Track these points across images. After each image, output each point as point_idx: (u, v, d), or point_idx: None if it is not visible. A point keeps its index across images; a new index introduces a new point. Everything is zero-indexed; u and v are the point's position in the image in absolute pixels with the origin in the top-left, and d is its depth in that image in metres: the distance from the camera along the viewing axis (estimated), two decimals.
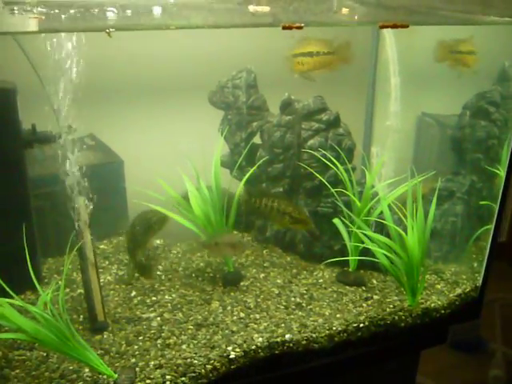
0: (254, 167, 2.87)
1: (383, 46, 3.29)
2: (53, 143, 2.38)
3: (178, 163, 2.67)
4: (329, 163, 2.79)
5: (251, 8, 2.06)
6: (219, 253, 2.78)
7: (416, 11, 2.57)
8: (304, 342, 2.37)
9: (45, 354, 2.22)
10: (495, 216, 2.60)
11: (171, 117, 3.09)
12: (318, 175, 2.80)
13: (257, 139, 3.05)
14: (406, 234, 2.51)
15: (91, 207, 2.32)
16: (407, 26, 2.19)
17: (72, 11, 1.87)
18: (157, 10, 2.02)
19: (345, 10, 2.24)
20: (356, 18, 2.38)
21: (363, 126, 3.55)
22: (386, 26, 2.19)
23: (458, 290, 2.75)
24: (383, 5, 2.70)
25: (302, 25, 1.95)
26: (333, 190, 2.76)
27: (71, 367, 2.14)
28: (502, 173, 2.58)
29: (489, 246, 2.65)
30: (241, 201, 2.81)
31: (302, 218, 2.77)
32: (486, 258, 2.68)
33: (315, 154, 2.82)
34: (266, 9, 2.08)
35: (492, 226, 2.63)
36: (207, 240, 2.75)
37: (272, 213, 2.76)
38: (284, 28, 1.96)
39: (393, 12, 2.64)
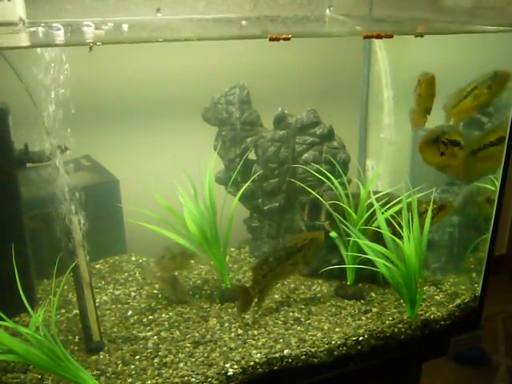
0: (249, 182, 2.86)
1: (376, 59, 3.31)
2: (46, 163, 2.37)
3: (174, 180, 2.66)
4: (322, 178, 2.78)
5: None
6: None
7: (404, 23, 2.59)
8: (303, 357, 2.34)
9: (39, 377, 2.18)
10: (491, 225, 2.58)
11: (166, 134, 3.09)
12: (311, 191, 2.79)
13: (251, 155, 3.04)
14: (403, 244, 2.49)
15: (85, 227, 2.30)
16: (392, 36, 2.20)
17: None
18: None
19: None
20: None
21: (358, 138, 3.55)
22: (370, 36, 2.19)
23: (458, 301, 2.72)
24: (373, 18, 2.73)
25: (290, 36, 1.96)
26: (326, 205, 2.75)
27: None
28: (497, 182, 2.57)
29: (486, 254, 2.63)
30: None
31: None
32: (484, 267, 2.65)
33: (308, 168, 2.81)
34: None
35: (489, 235, 2.62)
36: None
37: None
38: (271, 39, 1.96)
39: (382, 24, 2.67)
